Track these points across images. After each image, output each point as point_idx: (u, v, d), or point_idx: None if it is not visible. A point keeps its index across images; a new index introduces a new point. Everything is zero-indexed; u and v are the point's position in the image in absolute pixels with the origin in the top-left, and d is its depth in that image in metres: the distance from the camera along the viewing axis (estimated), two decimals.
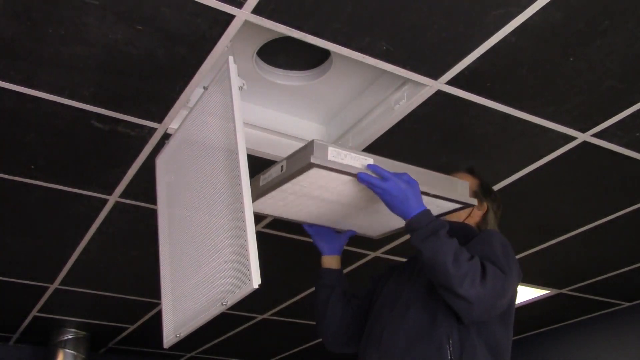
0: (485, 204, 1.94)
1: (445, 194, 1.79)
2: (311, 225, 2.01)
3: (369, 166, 1.67)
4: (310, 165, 1.61)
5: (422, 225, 1.64)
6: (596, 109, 2.04)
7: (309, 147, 1.63)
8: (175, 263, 1.90)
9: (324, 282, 2.00)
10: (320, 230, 2.03)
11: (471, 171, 2.01)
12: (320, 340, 4.36)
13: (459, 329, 1.64)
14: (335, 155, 1.65)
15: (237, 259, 1.53)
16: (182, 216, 1.90)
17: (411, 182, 1.68)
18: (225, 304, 1.56)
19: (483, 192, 1.96)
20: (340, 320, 1.96)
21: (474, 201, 1.85)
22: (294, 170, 1.67)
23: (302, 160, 1.64)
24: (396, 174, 1.68)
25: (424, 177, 1.77)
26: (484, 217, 1.93)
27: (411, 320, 1.69)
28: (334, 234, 2.05)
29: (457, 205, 1.84)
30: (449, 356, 1.60)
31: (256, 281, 1.45)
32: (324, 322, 1.98)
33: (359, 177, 1.66)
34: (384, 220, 1.97)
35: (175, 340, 1.83)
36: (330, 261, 2.03)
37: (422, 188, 1.73)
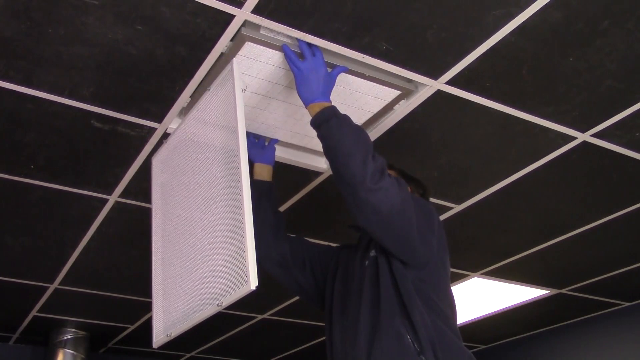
0: (409, 188, 1.90)
1: (377, 75, 1.82)
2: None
3: (300, 42, 1.69)
4: (243, 38, 1.64)
5: (337, 113, 1.64)
6: (596, 109, 2.04)
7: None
8: (167, 262, 1.90)
9: (253, 193, 1.97)
10: (250, 139, 2.04)
11: (390, 166, 1.97)
12: (320, 340, 4.38)
13: (412, 315, 1.57)
14: (268, 31, 1.66)
15: (234, 260, 1.52)
16: (177, 216, 1.89)
17: (332, 74, 1.71)
18: (221, 305, 1.55)
19: (405, 178, 1.91)
20: (271, 231, 1.92)
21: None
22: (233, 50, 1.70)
23: (237, 39, 1.67)
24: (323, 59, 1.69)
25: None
26: None
27: (364, 321, 1.62)
28: (263, 143, 2.06)
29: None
30: (412, 345, 1.53)
31: (254, 283, 1.44)
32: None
33: (284, 48, 1.68)
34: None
35: (166, 339, 1.82)
36: (261, 171, 2.02)
37: (357, 69, 1.77)
